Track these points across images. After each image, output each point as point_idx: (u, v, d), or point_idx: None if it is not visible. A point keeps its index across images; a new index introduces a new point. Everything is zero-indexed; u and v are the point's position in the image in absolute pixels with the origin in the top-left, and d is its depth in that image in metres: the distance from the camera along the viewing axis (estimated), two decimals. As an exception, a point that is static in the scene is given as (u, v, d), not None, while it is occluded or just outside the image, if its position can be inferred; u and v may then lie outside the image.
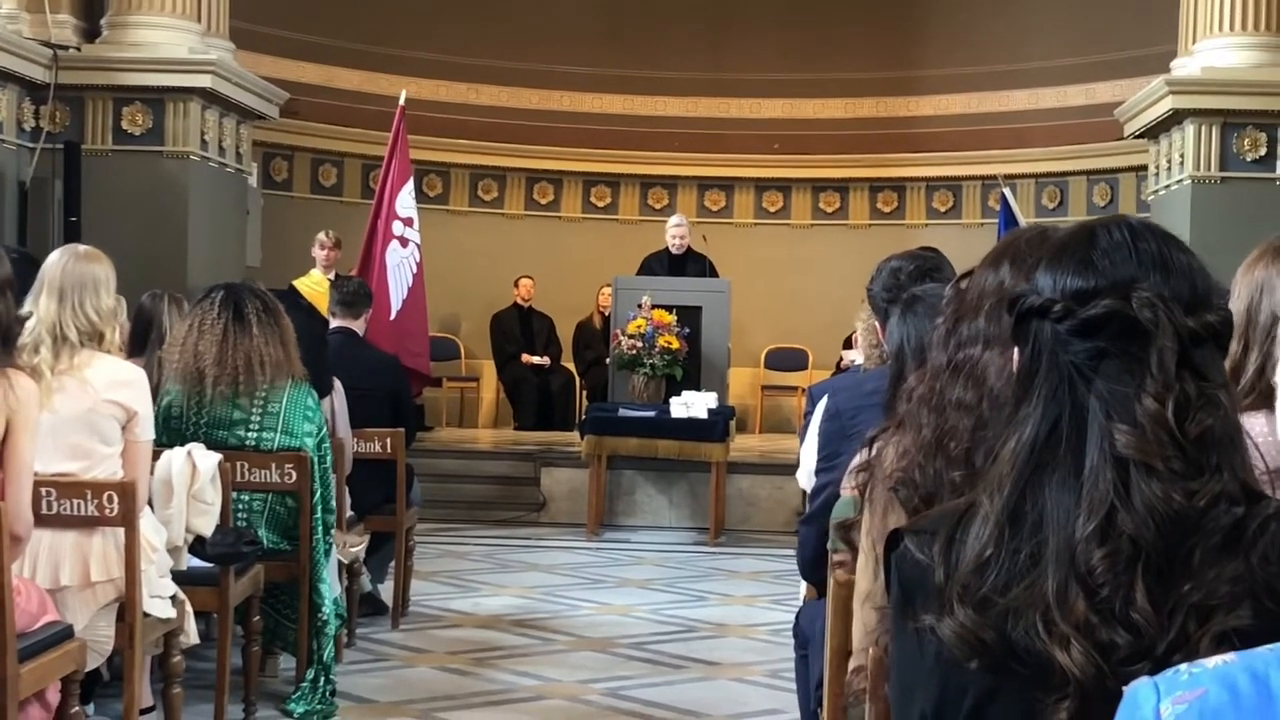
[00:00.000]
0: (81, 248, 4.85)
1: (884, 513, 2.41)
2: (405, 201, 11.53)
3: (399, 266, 11.33)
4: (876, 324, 4.11)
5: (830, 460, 3.92)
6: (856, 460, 2.72)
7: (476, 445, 13.40)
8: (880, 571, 2.41)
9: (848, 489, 2.76)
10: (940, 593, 1.66)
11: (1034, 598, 1.59)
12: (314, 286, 10.86)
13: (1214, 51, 11.02)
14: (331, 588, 5.93)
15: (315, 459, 5.76)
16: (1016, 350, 1.74)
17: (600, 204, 16.44)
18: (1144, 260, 1.67)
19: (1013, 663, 1.60)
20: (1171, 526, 1.56)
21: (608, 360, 13.29)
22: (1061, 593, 1.58)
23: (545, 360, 14.84)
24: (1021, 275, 2.23)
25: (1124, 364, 1.61)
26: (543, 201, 16.36)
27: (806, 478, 5.89)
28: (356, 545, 6.82)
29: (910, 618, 1.70)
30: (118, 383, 4.63)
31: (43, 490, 4.34)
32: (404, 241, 11.43)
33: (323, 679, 5.82)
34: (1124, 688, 1.55)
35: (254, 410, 5.67)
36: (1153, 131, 11.75)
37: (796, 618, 4.45)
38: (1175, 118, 11.14)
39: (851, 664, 2.56)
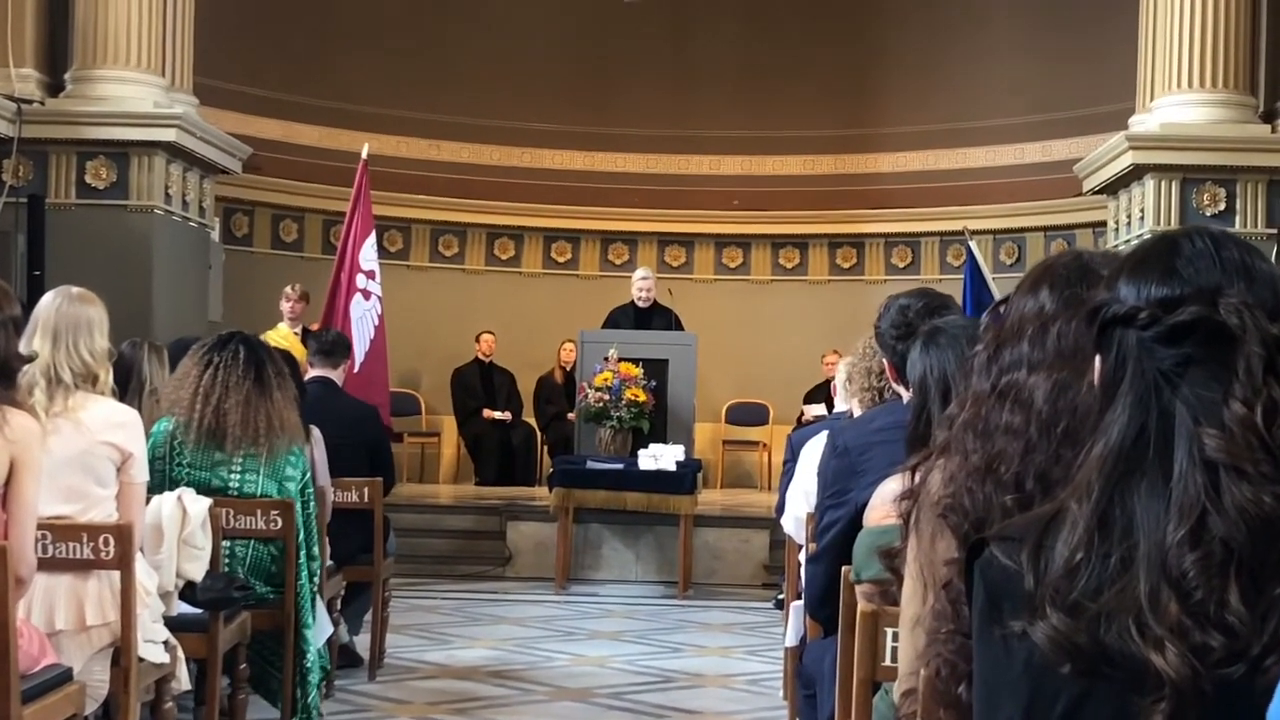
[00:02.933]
0: (74, 290, 4.83)
1: (932, 539, 2.42)
2: (368, 254, 11.54)
3: (362, 319, 11.33)
4: (884, 362, 4.11)
5: (839, 497, 3.92)
6: (895, 487, 2.72)
7: (439, 500, 13.37)
8: (930, 595, 2.41)
9: (893, 517, 2.76)
10: (1030, 598, 1.66)
11: (1126, 602, 1.60)
12: (280, 340, 10.81)
13: (1173, 108, 11.18)
14: (318, 635, 5.87)
15: (299, 505, 5.73)
16: (1099, 359, 1.75)
17: (561, 259, 16.49)
18: (1228, 268, 1.69)
19: (1105, 666, 1.60)
20: (1263, 529, 1.57)
21: (570, 415, 13.30)
22: (1154, 596, 1.59)
23: (507, 415, 14.84)
24: (1061, 299, 2.26)
25: (1211, 370, 1.63)
26: (503, 257, 16.40)
27: (794, 523, 5.92)
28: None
29: (997, 624, 1.70)
30: (113, 424, 4.60)
31: (38, 533, 4.27)
32: (366, 294, 11.44)
33: (306, 728, 5.77)
34: (1220, 689, 1.57)
35: (238, 454, 5.64)
36: (1112, 187, 11.90)
37: (800, 657, 4.45)
38: (1135, 173, 11.29)
39: (899, 688, 2.55)
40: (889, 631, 3.07)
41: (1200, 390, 1.63)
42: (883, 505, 3.13)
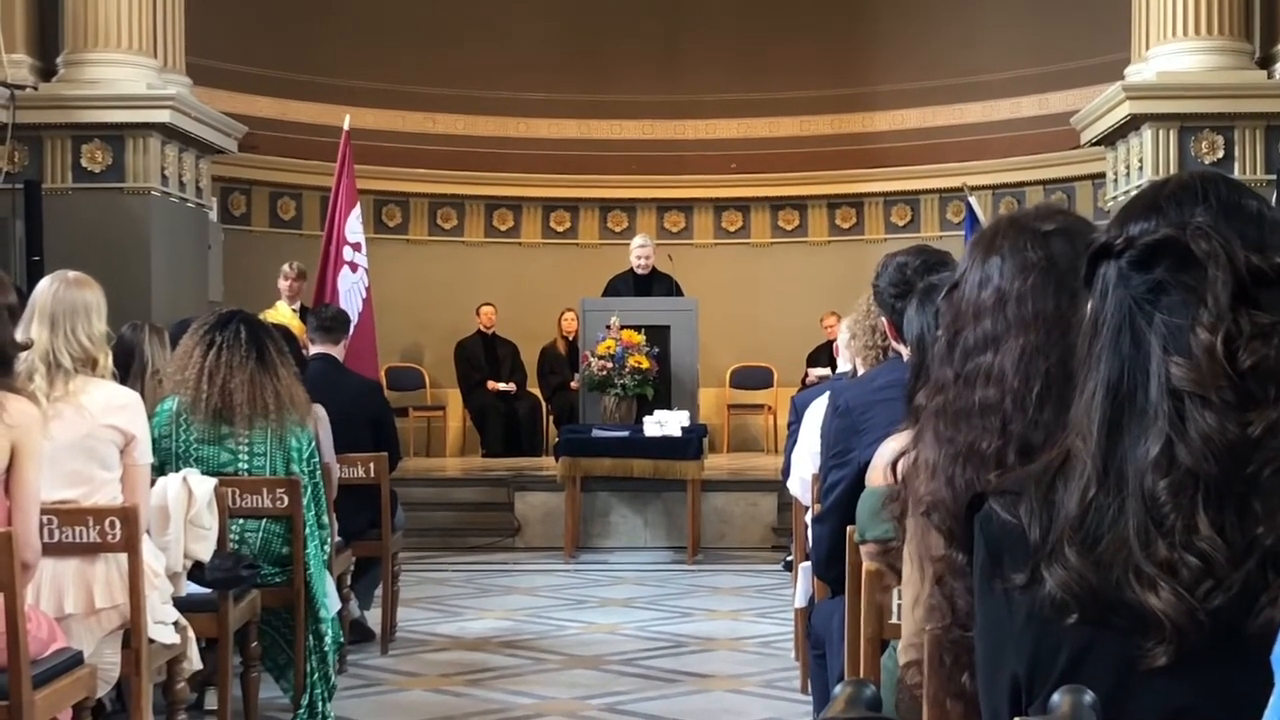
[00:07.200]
0: (71, 274, 4.82)
1: (925, 531, 2.40)
2: (353, 227, 11.53)
3: (350, 292, 11.32)
4: (883, 321, 4.10)
5: (842, 457, 3.91)
6: (896, 446, 2.69)
7: (446, 473, 13.39)
8: (927, 582, 2.38)
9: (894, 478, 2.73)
10: (1032, 550, 1.66)
11: (1120, 546, 1.60)
12: (280, 319, 10.79)
13: (1168, 56, 11.14)
14: (330, 605, 5.87)
15: (305, 474, 5.75)
16: (1091, 301, 1.75)
17: (560, 229, 16.47)
18: (1211, 202, 1.68)
19: (1111, 614, 1.60)
20: (1228, 458, 1.56)
21: (573, 384, 13.30)
22: (1142, 533, 1.58)
23: (511, 386, 14.85)
24: (1011, 265, 2.23)
25: (1181, 296, 1.63)
26: (502, 228, 16.37)
27: (799, 485, 5.92)
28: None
29: (998, 578, 1.70)
30: (115, 407, 4.60)
31: (44, 518, 4.27)
32: (354, 267, 11.44)
33: (320, 703, 5.77)
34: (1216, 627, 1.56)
35: (245, 430, 5.65)
36: (1110, 138, 11.86)
37: (809, 618, 4.45)
38: (1133, 123, 11.25)
39: (903, 658, 2.54)
40: (895, 590, 3.07)
41: (1170, 317, 1.63)
42: (884, 465, 3.11)
